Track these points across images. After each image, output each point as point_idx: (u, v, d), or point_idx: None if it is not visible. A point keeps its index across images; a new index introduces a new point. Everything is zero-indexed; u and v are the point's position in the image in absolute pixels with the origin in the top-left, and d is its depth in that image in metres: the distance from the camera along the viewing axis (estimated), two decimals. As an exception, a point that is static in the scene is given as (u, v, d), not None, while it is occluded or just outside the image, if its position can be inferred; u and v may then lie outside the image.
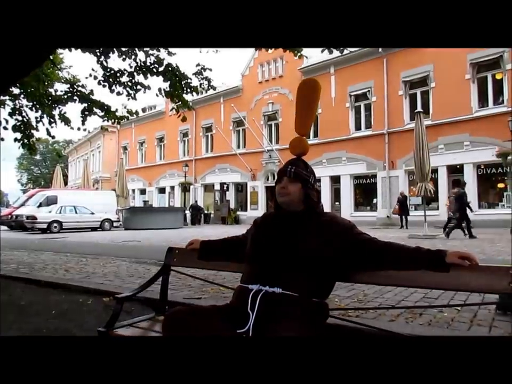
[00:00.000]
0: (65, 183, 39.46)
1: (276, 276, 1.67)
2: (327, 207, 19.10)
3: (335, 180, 23.89)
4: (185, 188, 30.51)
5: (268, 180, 27.54)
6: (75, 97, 7.71)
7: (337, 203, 23.82)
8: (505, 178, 18.42)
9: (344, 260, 1.75)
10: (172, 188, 34.02)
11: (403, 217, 18.93)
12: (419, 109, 16.20)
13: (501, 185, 18.90)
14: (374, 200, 22.71)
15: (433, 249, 1.67)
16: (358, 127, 23.28)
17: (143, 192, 37.22)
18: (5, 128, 7.25)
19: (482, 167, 19.07)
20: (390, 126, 21.63)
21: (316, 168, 21.31)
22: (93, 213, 22.14)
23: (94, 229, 21.86)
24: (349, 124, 23.33)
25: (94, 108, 7.78)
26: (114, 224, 23.16)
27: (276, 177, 1.97)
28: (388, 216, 21.37)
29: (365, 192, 23.45)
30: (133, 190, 36.63)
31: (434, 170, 18.20)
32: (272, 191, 1.94)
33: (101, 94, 31.13)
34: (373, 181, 22.61)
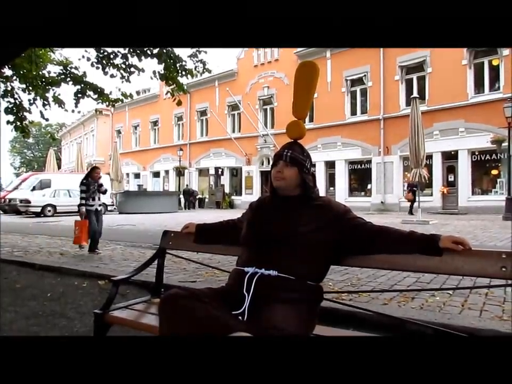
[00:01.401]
0: (59, 167, 39.15)
1: (271, 259, 1.68)
2: (321, 193, 18.94)
3: (330, 165, 23.86)
4: (179, 172, 30.06)
5: (262, 164, 27.31)
6: (68, 79, 7.60)
7: (331, 188, 23.85)
8: (499, 165, 18.52)
9: (339, 244, 1.76)
10: (167, 172, 33.77)
11: (413, 203, 18.22)
12: (415, 94, 16.12)
13: (494, 171, 19.00)
14: (369, 186, 22.76)
15: (427, 234, 1.69)
16: (353, 112, 23.20)
17: (137, 176, 37.04)
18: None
19: (477, 153, 19.13)
20: (386, 112, 21.57)
21: (311, 153, 20.87)
22: (87, 197, 22.01)
23: (88, 213, 21.76)
24: (345, 109, 23.24)
25: (87, 90, 7.68)
26: (109, 208, 23.07)
27: (271, 162, 1.95)
28: (382, 202, 21.48)
29: (360, 177, 23.49)
30: (127, 174, 36.43)
31: (429, 157, 18.20)
32: (268, 175, 1.93)
33: (95, 76, 30.48)
34: (368, 166, 22.62)
